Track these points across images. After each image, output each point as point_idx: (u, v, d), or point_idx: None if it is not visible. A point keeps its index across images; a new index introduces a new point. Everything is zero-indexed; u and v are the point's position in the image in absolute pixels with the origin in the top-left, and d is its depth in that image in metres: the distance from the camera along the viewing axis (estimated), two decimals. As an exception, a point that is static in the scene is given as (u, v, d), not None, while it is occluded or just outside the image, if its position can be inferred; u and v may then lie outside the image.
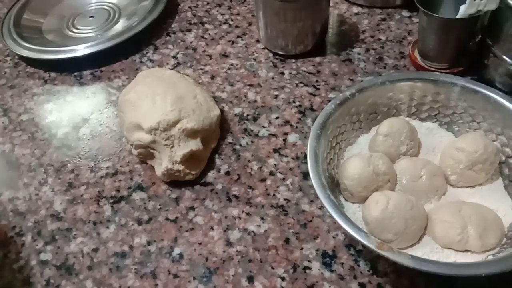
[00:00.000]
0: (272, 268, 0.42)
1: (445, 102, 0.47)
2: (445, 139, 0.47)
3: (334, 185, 0.43)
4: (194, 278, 0.42)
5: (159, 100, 0.50)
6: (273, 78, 0.60)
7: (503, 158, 0.43)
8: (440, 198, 0.42)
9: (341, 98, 0.46)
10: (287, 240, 0.44)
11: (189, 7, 0.75)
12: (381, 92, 0.47)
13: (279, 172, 0.50)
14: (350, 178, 0.42)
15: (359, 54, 0.62)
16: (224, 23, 0.71)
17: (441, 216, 0.39)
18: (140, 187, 0.50)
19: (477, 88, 0.44)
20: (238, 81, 0.61)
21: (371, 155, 0.43)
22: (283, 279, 0.42)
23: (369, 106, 0.47)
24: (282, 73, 0.61)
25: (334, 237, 0.44)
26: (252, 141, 0.53)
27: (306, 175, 0.49)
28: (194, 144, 0.48)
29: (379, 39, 0.64)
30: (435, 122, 0.48)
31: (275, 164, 0.50)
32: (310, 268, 0.42)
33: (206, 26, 0.71)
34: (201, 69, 0.63)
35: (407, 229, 0.38)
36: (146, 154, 0.50)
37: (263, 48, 0.65)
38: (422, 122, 0.49)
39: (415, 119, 0.49)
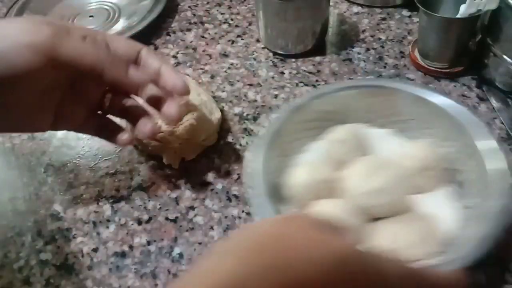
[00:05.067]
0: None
1: (398, 109, 0.45)
2: (398, 146, 0.45)
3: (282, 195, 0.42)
4: (194, 278, 0.42)
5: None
6: (273, 77, 0.60)
7: (451, 166, 0.42)
8: None
9: (293, 105, 0.45)
10: (287, 240, 0.44)
11: (189, 7, 0.75)
12: (334, 100, 0.46)
13: (279, 172, 0.50)
14: (296, 186, 0.41)
15: (359, 53, 0.62)
16: (224, 23, 0.71)
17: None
18: (140, 187, 0.50)
19: (426, 97, 0.43)
20: (238, 81, 0.60)
21: (319, 162, 0.42)
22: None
23: (323, 114, 0.46)
24: (282, 73, 0.61)
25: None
26: (252, 141, 0.53)
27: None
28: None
29: (379, 39, 0.64)
30: (389, 129, 0.47)
31: (275, 164, 0.50)
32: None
33: (206, 25, 0.71)
34: (201, 68, 0.63)
35: None
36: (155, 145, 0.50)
37: (263, 48, 0.65)
38: (376, 129, 0.47)
39: (369, 126, 0.47)
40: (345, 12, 0.69)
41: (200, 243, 0.45)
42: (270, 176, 0.41)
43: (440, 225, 0.39)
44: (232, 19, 0.71)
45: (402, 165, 0.41)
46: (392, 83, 0.45)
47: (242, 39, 0.67)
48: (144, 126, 0.41)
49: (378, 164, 0.40)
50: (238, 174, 0.50)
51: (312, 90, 0.46)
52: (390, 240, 0.36)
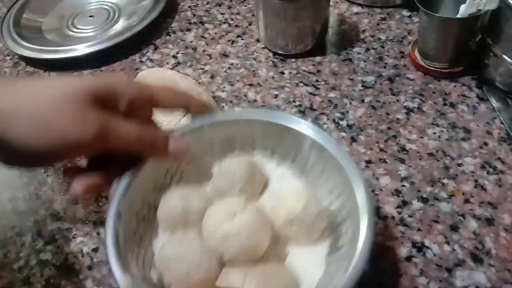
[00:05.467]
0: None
1: (298, 151, 0.41)
2: (292, 188, 0.42)
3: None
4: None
5: (163, 120, 0.49)
6: (273, 77, 0.60)
7: (332, 220, 0.38)
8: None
9: (187, 129, 0.42)
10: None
11: (189, 7, 0.75)
12: (235, 128, 0.43)
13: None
14: (161, 212, 0.39)
15: (359, 53, 0.62)
16: (224, 23, 0.71)
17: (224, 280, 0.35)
18: (140, 187, 0.50)
19: (325, 145, 0.39)
20: (238, 81, 0.60)
21: (190, 192, 0.39)
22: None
23: (223, 141, 0.43)
24: (282, 73, 0.61)
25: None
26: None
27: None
28: None
29: (379, 39, 0.64)
30: (288, 168, 0.43)
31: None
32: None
33: (206, 25, 0.71)
34: (201, 68, 0.63)
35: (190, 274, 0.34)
36: None
37: (263, 48, 0.65)
38: (276, 166, 0.43)
39: (268, 162, 0.44)
40: (345, 12, 0.69)
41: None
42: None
43: (301, 275, 0.36)
44: (232, 19, 0.71)
45: (269, 213, 0.39)
46: (295, 124, 0.41)
47: (242, 39, 0.67)
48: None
49: (241, 208, 0.36)
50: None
51: (215, 115, 0.43)
52: (241, 284, 0.33)
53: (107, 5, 0.76)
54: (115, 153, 0.36)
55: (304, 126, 0.40)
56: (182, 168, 0.42)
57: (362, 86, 0.58)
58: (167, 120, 0.48)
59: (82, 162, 0.38)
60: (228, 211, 0.36)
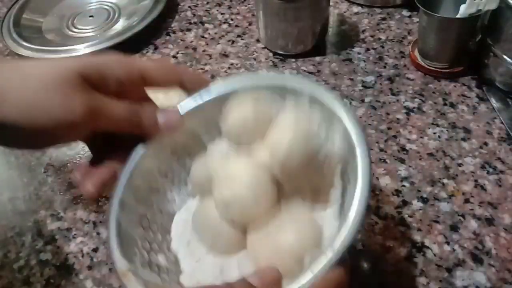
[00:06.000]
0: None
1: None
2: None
3: None
4: (194, 278, 0.42)
5: (162, 97, 0.50)
6: (273, 77, 0.60)
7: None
8: None
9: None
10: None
11: (189, 7, 0.75)
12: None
13: (279, 172, 0.50)
14: (191, 178, 0.39)
15: (359, 53, 0.62)
16: (224, 23, 0.71)
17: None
18: (140, 187, 0.50)
19: (324, 100, 0.35)
20: (238, 81, 0.60)
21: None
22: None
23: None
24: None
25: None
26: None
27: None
28: None
29: (379, 39, 0.64)
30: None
31: (275, 164, 0.50)
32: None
33: (206, 25, 0.71)
34: (201, 68, 0.63)
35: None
36: None
37: (263, 48, 0.65)
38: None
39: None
40: (345, 12, 0.69)
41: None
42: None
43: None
44: (232, 19, 0.71)
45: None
46: (291, 82, 0.38)
47: (242, 39, 0.67)
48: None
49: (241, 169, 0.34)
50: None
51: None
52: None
53: (107, 5, 0.76)
54: (116, 139, 0.37)
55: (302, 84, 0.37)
56: (186, 147, 0.41)
57: (362, 86, 0.58)
58: (167, 98, 0.48)
59: (84, 160, 0.38)
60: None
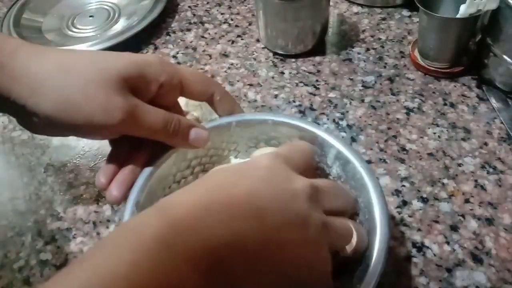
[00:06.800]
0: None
1: (323, 159, 0.40)
2: None
3: None
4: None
5: (183, 104, 0.50)
6: (273, 77, 0.60)
7: None
8: None
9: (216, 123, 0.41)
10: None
11: (189, 7, 0.75)
12: (262, 129, 0.42)
13: (279, 172, 0.50)
14: None
15: (359, 53, 0.62)
16: (224, 23, 0.71)
17: None
18: (140, 187, 0.50)
19: (350, 158, 0.38)
20: (238, 81, 0.60)
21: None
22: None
23: (248, 140, 0.43)
24: (282, 73, 0.61)
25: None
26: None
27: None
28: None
29: (379, 39, 0.64)
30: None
31: (275, 164, 0.50)
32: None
33: (206, 25, 0.71)
34: (201, 68, 0.63)
35: None
36: None
37: (263, 48, 0.65)
38: None
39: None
40: (345, 12, 0.69)
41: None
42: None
43: None
44: (232, 19, 0.71)
45: None
46: (322, 133, 0.40)
47: (242, 39, 0.67)
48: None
49: None
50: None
51: (242, 114, 0.43)
52: None
53: (107, 5, 0.76)
54: (139, 143, 0.37)
55: (331, 137, 0.39)
56: (204, 162, 0.42)
57: (362, 86, 0.58)
58: (188, 105, 0.48)
59: (106, 162, 0.38)
60: None
